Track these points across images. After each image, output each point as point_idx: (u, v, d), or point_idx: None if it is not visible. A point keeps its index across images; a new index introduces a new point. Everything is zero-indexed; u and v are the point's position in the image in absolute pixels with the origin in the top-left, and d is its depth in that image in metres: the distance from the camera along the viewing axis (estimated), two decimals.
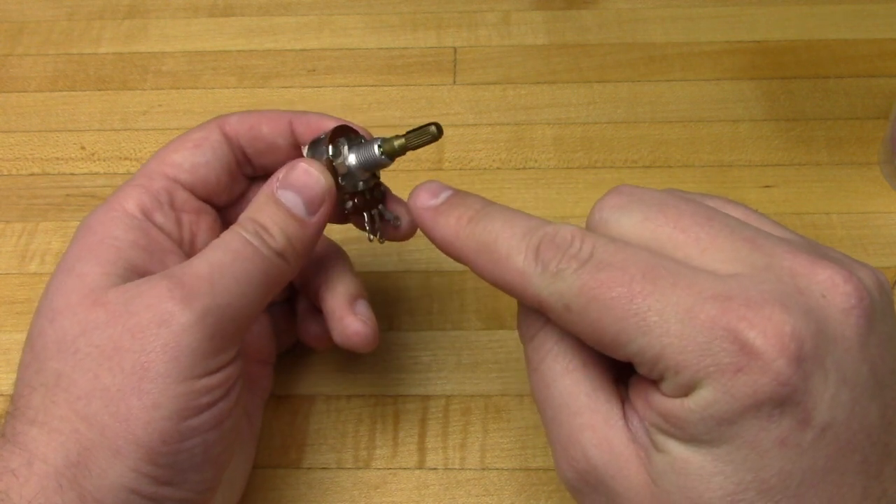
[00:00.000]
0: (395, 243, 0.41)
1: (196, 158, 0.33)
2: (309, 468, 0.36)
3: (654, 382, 0.24)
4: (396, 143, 0.32)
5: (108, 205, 0.31)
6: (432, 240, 0.29)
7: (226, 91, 0.52)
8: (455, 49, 0.54)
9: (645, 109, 0.50)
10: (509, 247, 0.26)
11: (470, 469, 0.36)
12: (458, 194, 0.30)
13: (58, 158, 0.49)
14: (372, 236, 0.34)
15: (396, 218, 0.34)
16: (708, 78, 0.52)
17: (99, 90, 0.53)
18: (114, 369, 0.27)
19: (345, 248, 0.35)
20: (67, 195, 0.47)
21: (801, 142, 0.48)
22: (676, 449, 0.24)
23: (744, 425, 0.23)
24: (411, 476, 0.36)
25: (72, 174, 0.48)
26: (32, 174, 0.48)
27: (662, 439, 0.24)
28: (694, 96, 0.51)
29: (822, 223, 0.44)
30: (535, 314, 0.28)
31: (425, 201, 0.30)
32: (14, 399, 0.28)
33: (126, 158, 0.49)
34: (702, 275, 0.24)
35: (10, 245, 0.45)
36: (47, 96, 0.52)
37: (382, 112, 0.51)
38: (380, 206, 0.34)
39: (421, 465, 0.36)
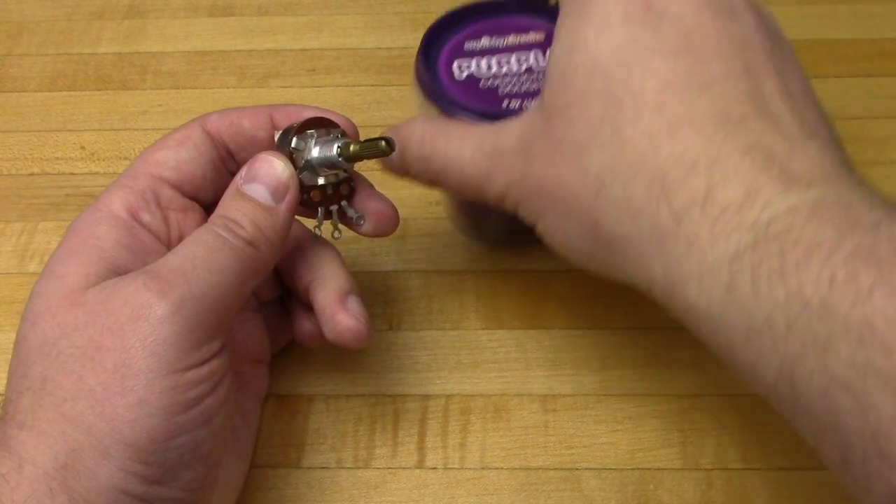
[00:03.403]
0: (394, 242, 0.41)
1: (180, 155, 0.33)
2: (308, 468, 0.36)
3: None
4: (352, 147, 0.32)
5: (93, 206, 0.32)
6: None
7: (225, 91, 0.52)
8: None
9: None
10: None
11: (469, 469, 0.36)
12: None
13: (58, 158, 0.49)
14: (318, 229, 0.34)
15: (360, 217, 0.34)
16: None
17: (99, 90, 0.53)
18: (97, 369, 0.27)
19: (343, 247, 0.35)
20: (67, 195, 0.47)
21: None
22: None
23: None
24: (411, 475, 0.36)
25: (72, 174, 0.48)
26: (32, 174, 0.48)
27: None
28: None
29: None
30: None
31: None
32: (4, 404, 0.28)
33: (126, 158, 0.49)
34: None
35: (9, 245, 0.45)
36: (47, 96, 0.52)
37: (382, 112, 0.51)
38: (343, 203, 0.34)
39: (420, 465, 0.36)
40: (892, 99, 0.50)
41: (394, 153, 0.32)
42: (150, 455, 0.27)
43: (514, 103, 0.35)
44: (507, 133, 0.30)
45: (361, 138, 0.34)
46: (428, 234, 0.44)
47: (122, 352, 0.27)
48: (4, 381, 0.39)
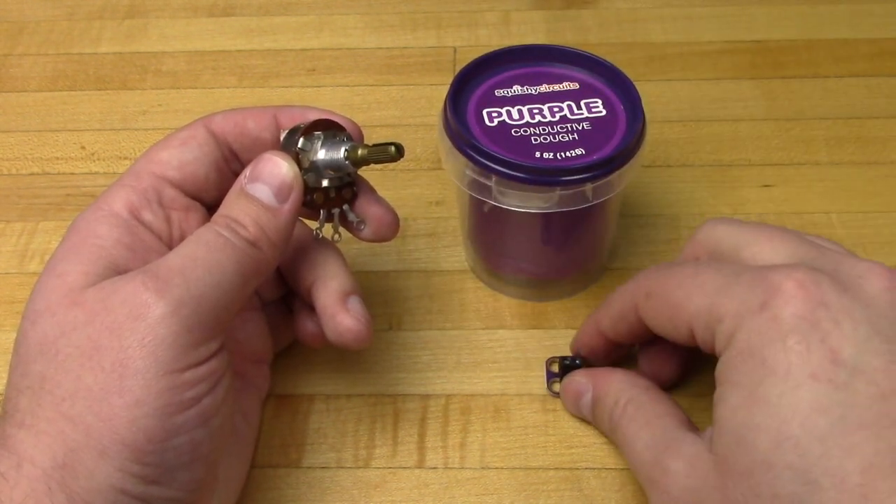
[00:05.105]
0: (394, 242, 0.41)
1: (183, 155, 0.33)
2: (309, 467, 0.36)
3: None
4: (360, 152, 0.32)
5: (95, 205, 0.31)
6: None
7: (226, 91, 0.52)
8: (455, 49, 0.54)
9: (645, 109, 0.50)
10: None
11: (470, 468, 0.36)
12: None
13: (58, 158, 0.49)
14: (319, 232, 0.34)
15: (360, 221, 0.34)
16: (708, 77, 0.52)
17: (99, 90, 0.53)
18: (95, 369, 0.27)
19: (343, 246, 0.35)
20: (67, 195, 0.47)
21: (801, 141, 0.48)
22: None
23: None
24: (411, 475, 0.36)
25: (72, 174, 0.48)
26: (32, 174, 0.48)
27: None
28: (694, 96, 0.51)
29: (822, 223, 0.44)
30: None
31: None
32: (4, 402, 0.28)
33: (126, 158, 0.49)
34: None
35: (10, 245, 0.45)
36: (47, 96, 0.52)
37: (382, 112, 0.51)
38: (345, 207, 0.34)
39: (420, 465, 0.36)
40: (892, 99, 0.50)
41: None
42: (148, 455, 0.27)
43: (548, 155, 0.35)
44: (675, 459, 0.29)
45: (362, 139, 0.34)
46: (428, 234, 0.44)
47: (120, 351, 0.27)
48: (5, 381, 0.40)
